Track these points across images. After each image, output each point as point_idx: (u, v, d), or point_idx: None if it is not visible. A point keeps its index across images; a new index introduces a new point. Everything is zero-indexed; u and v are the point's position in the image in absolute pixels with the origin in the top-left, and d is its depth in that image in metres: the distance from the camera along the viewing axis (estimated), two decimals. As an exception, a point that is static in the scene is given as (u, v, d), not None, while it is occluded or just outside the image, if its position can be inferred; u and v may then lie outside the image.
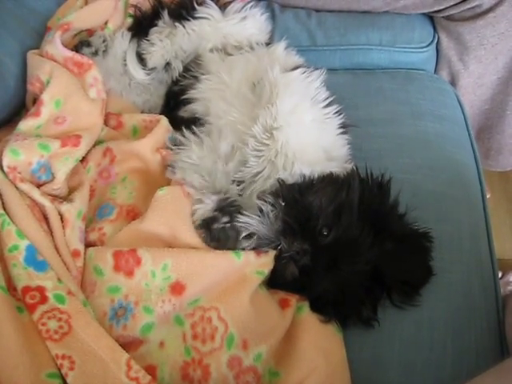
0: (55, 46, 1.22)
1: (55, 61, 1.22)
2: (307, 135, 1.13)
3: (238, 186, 1.10)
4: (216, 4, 1.37)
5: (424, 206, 1.22)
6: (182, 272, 0.98)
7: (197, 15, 1.33)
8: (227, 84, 1.25)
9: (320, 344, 1.02)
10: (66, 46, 1.26)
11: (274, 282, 1.08)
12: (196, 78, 1.31)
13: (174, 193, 1.07)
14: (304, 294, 1.08)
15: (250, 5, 1.41)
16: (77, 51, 1.28)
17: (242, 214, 1.02)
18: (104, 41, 1.35)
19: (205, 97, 1.26)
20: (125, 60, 1.37)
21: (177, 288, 0.98)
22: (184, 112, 1.29)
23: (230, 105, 1.20)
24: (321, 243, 1.02)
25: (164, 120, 1.24)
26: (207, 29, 1.35)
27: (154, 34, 1.35)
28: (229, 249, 1.02)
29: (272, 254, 1.03)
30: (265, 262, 1.03)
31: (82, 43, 1.33)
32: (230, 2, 1.40)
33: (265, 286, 1.07)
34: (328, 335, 1.04)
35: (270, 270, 1.04)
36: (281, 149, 1.08)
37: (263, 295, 1.04)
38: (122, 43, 1.37)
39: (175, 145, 1.17)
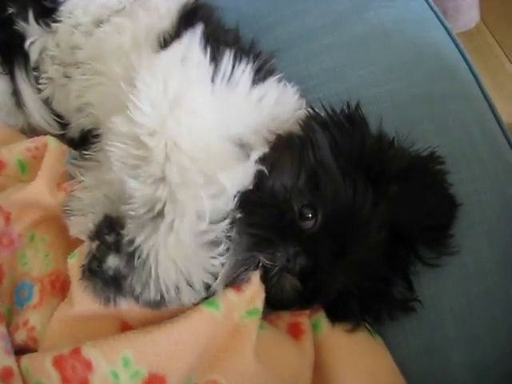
0: None
1: None
2: (208, 127, 0.79)
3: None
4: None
5: (415, 117, 0.96)
6: (153, 361, 0.70)
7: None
8: (105, 73, 0.92)
9: (358, 363, 0.79)
10: None
11: (274, 305, 0.80)
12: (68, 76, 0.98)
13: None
14: (316, 303, 0.82)
15: None
16: None
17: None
18: None
19: (85, 101, 0.94)
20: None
21: (155, 382, 0.70)
22: (70, 130, 0.97)
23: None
24: (310, 232, 0.77)
25: (52, 142, 0.91)
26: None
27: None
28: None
29: (256, 277, 0.77)
30: (252, 296, 0.76)
31: None
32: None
33: (266, 309, 0.79)
34: (364, 347, 0.80)
35: (263, 300, 0.77)
36: (168, 157, 0.74)
37: (269, 339, 0.78)
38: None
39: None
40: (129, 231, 0.72)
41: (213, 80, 0.79)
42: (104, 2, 0.98)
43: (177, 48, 0.80)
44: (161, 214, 0.71)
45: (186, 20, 0.89)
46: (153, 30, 0.89)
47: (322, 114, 0.87)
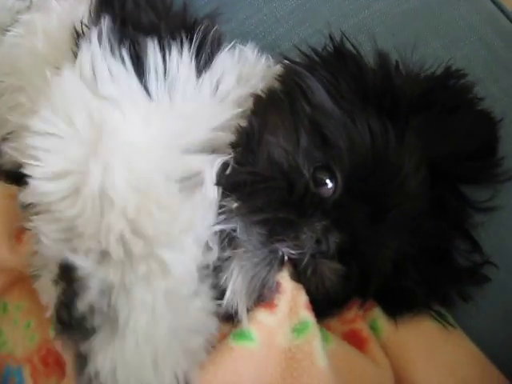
0: None
1: None
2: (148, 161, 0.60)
3: None
4: None
5: (416, 36, 0.78)
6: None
7: None
8: (26, 89, 0.73)
9: (435, 361, 0.64)
10: None
11: (321, 307, 0.63)
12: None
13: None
14: (371, 284, 0.64)
15: None
16: None
17: None
18: None
19: (10, 129, 0.75)
20: None
21: None
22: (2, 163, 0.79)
23: None
24: (333, 199, 0.62)
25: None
26: None
27: None
28: None
29: (286, 279, 0.61)
30: (291, 306, 0.60)
31: None
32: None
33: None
34: (437, 340, 0.66)
35: (306, 303, 0.61)
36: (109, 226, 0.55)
37: (339, 354, 0.61)
38: None
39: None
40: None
41: (145, 88, 0.61)
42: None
43: (78, 63, 0.61)
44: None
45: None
46: (66, 20, 0.70)
47: (302, 60, 0.71)
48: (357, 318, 0.66)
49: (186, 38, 0.65)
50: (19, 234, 0.72)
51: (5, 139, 0.76)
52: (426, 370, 0.63)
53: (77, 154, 0.56)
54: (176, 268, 0.53)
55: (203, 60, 0.66)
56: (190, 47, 0.65)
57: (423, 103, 0.66)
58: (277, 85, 0.68)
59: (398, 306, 0.65)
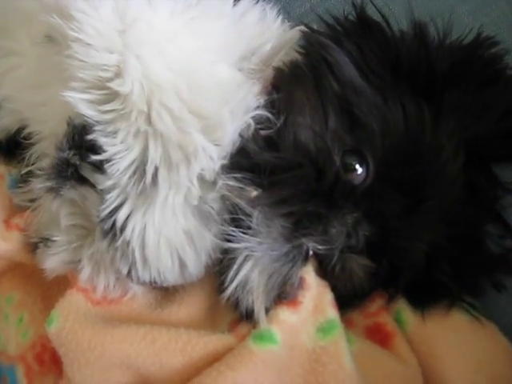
0: None
1: None
2: (182, 48, 0.57)
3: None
4: None
5: (441, 2, 0.74)
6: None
7: None
8: (17, 51, 0.67)
9: (466, 357, 0.57)
10: None
11: (344, 302, 0.58)
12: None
13: (75, 321, 0.55)
14: (402, 279, 0.59)
15: None
16: None
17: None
18: None
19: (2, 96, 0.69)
20: None
21: None
22: None
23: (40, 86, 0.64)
24: (363, 188, 0.56)
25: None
26: None
27: None
28: None
29: (310, 275, 0.54)
30: (315, 304, 0.54)
31: None
32: None
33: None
34: (468, 335, 0.59)
35: (333, 302, 0.55)
36: (142, 97, 0.53)
37: (364, 356, 0.55)
38: None
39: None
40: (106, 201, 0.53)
41: None
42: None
43: None
44: (152, 184, 0.52)
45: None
46: None
47: (322, 29, 0.64)
48: (381, 310, 0.60)
49: None
50: (9, 218, 0.66)
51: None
52: (455, 367, 0.56)
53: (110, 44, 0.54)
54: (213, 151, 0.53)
55: None
56: None
57: (456, 76, 0.59)
58: (299, 57, 0.61)
59: (426, 298, 0.59)
